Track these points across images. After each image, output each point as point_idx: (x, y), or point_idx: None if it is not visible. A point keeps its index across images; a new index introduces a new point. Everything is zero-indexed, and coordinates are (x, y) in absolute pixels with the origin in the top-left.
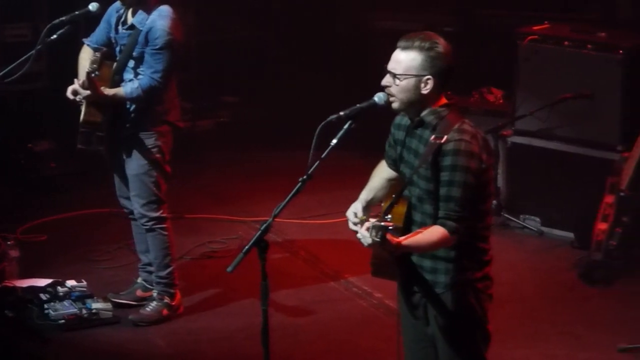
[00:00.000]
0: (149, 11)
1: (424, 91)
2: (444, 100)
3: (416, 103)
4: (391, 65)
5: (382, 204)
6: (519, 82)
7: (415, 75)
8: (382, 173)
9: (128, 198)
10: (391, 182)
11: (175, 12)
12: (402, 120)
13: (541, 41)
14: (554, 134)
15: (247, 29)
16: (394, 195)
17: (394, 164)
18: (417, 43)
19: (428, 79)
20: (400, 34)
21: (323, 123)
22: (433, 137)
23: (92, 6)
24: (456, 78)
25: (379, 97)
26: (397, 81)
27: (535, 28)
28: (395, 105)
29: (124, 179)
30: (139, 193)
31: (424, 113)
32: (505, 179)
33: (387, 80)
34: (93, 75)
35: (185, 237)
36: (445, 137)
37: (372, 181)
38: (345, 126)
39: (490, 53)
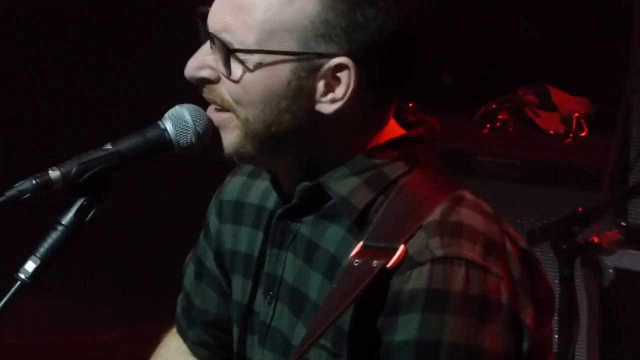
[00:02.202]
0: None
1: (327, 106)
2: (396, 130)
3: (302, 140)
4: (217, 18)
5: None
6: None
7: (299, 55)
8: None
9: None
10: None
11: None
12: (253, 189)
13: None
14: None
15: None
16: None
17: (209, 329)
18: None
19: (340, 66)
20: None
21: None
22: (359, 248)
23: None
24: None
25: (176, 120)
26: (237, 68)
27: None
28: (231, 139)
29: None
30: None
31: (327, 172)
32: None
33: (202, 60)
34: None
35: None
36: (401, 248)
37: None
38: (69, 215)
39: None
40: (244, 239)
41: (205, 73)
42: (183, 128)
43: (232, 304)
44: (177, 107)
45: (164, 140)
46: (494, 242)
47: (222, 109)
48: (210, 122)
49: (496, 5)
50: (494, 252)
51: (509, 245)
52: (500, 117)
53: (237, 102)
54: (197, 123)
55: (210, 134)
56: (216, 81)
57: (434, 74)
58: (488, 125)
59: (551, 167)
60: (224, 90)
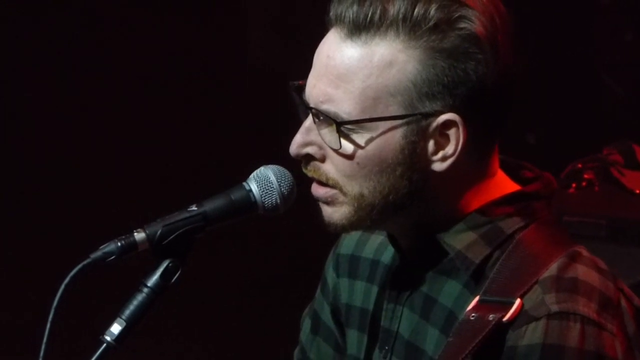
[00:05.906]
0: None
1: (439, 165)
2: (510, 185)
3: (418, 202)
4: (318, 91)
5: None
6: None
7: (406, 117)
8: None
9: None
10: None
11: None
12: (369, 243)
13: None
14: None
15: None
16: None
17: None
18: (400, 4)
19: (447, 122)
20: None
21: (78, 268)
22: (476, 302)
23: None
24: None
25: (261, 181)
26: (348, 143)
27: None
28: (342, 213)
29: None
30: None
31: (443, 228)
32: None
33: (306, 137)
34: None
35: None
36: (517, 302)
37: None
38: (154, 277)
39: None
40: (359, 293)
41: (312, 150)
42: (268, 189)
43: (347, 358)
44: (262, 168)
45: (249, 202)
46: (609, 299)
47: (327, 185)
48: (294, 183)
49: (581, 64)
50: (609, 309)
51: (623, 303)
52: (585, 176)
53: (350, 178)
54: (281, 184)
55: (295, 195)
56: (321, 160)
57: (519, 133)
58: (574, 185)
59: (637, 226)
60: (330, 168)
